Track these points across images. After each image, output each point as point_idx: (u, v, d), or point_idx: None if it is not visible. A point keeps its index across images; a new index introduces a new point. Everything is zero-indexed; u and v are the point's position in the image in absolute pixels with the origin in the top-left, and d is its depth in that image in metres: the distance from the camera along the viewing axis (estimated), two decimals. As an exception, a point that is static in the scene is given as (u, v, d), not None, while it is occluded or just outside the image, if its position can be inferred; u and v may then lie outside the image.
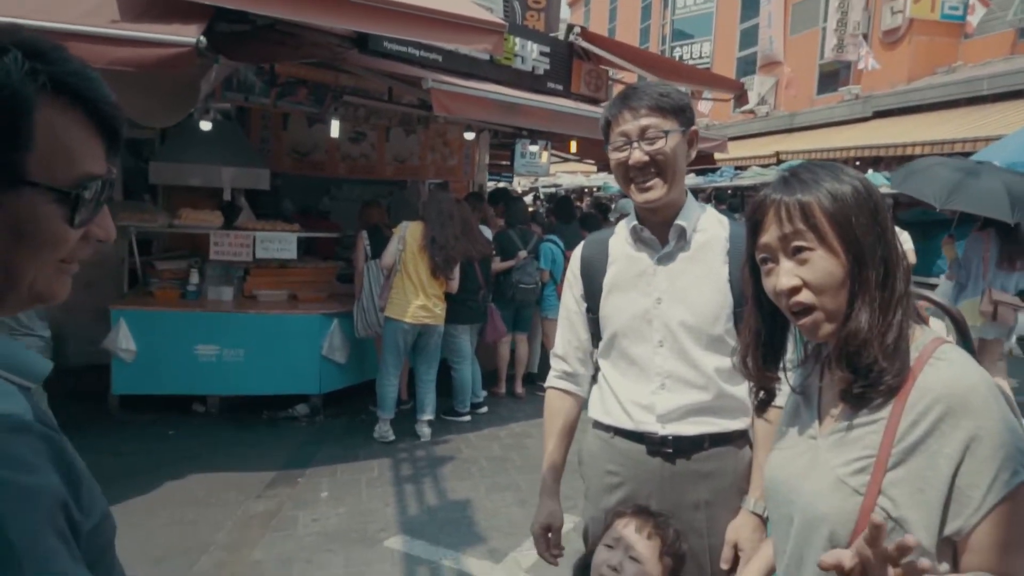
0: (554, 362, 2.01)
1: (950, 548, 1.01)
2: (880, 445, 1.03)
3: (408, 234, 4.97)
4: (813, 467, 1.11)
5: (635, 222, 1.82)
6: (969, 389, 0.99)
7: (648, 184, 1.72)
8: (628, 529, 1.65)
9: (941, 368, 1.03)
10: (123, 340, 5.03)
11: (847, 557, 0.90)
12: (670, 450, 1.76)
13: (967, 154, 7.84)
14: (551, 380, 2.00)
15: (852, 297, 1.05)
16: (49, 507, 0.64)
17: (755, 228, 1.13)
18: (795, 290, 1.07)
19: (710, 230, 1.80)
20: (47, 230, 0.73)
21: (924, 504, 0.99)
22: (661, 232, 1.79)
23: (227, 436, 4.98)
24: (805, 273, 1.07)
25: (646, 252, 1.81)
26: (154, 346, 5.10)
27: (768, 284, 1.12)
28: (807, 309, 1.08)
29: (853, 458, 1.06)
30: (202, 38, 3.50)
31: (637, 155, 1.70)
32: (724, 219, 1.84)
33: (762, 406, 1.32)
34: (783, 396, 1.31)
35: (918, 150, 9.86)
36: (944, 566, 1.01)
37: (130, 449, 4.61)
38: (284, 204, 7.28)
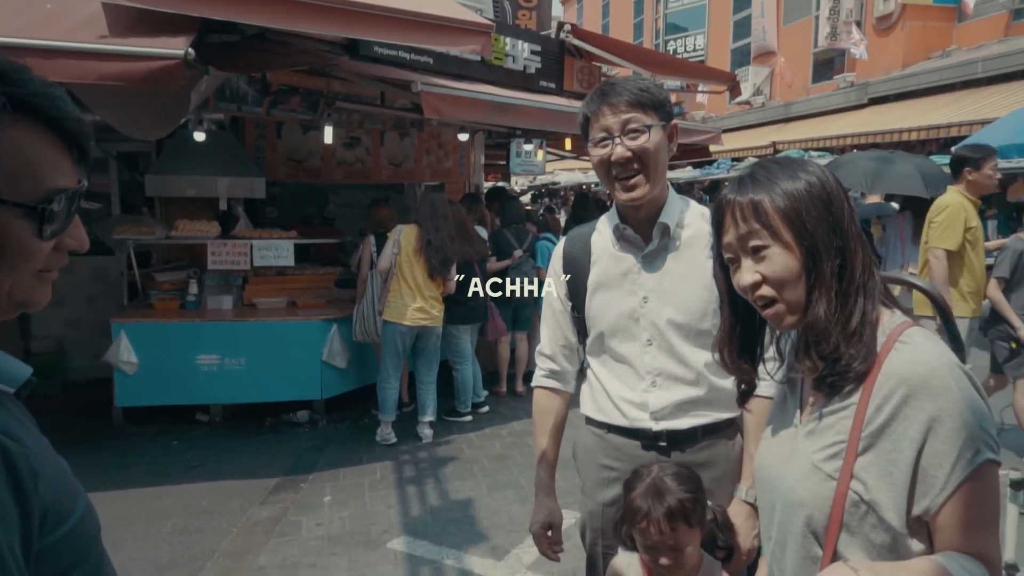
0: (540, 360, 2.00)
1: (924, 528, 1.02)
2: (850, 430, 1.05)
3: (403, 237, 4.98)
4: (793, 455, 1.14)
5: (617, 220, 1.80)
6: (930, 371, 1.01)
7: (632, 182, 1.70)
8: (661, 531, 1.62)
9: (904, 351, 1.04)
10: (124, 352, 5.06)
11: None
12: (664, 443, 1.77)
13: (962, 138, 7.82)
14: (538, 379, 2.00)
15: (810, 288, 1.08)
16: None
17: (718, 228, 1.16)
18: (756, 285, 1.10)
19: (694, 225, 1.79)
20: (17, 243, 0.75)
21: (892, 486, 1.01)
22: (644, 229, 1.78)
23: (230, 444, 5.01)
24: (764, 269, 1.10)
25: (630, 251, 1.80)
26: (156, 357, 5.13)
27: (735, 281, 1.15)
28: (770, 302, 1.11)
29: (827, 444, 1.08)
30: (190, 50, 3.52)
31: (620, 151, 1.67)
32: (707, 212, 1.82)
33: (744, 397, 1.34)
34: (771, 387, 1.34)
35: (914, 135, 9.84)
36: (917, 545, 1.03)
37: (135, 461, 4.65)
38: (268, 211, 7.24)
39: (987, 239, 6.72)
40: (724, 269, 1.20)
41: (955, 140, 7.99)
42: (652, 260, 1.78)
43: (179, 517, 3.89)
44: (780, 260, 1.08)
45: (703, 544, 1.70)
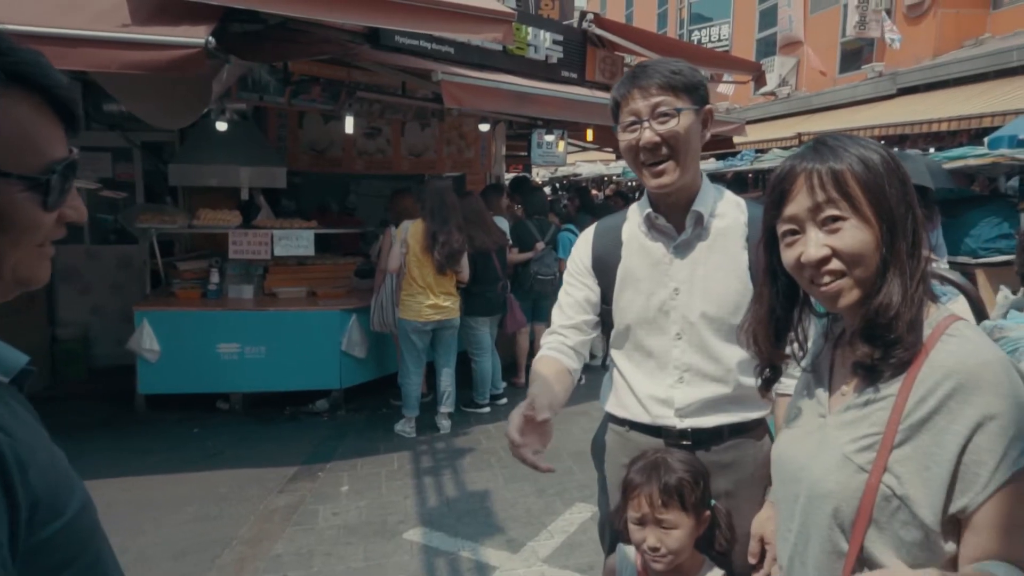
0: (546, 338, 1.84)
1: (956, 527, 0.98)
2: (887, 422, 1.00)
3: (409, 236, 4.91)
4: (821, 445, 1.09)
5: (648, 209, 1.73)
6: (981, 365, 0.96)
7: (660, 167, 1.63)
8: (652, 505, 1.61)
9: (952, 343, 0.99)
10: (147, 340, 5.11)
11: None
12: (689, 443, 1.71)
13: (995, 128, 7.62)
14: (542, 352, 1.80)
15: (883, 268, 1.02)
16: None
17: (781, 198, 1.08)
18: (824, 260, 1.03)
19: (729, 215, 1.72)
20: (23, 216, 0.74)
21: (929, 482, 0.96)
22: (677, 218, 1.71)
23: (250, 432, 5.05)
24: (836, 242, 1.03)
25: (661, 240, 1.73)
26: (177, 346, 5.18)
27: (790, 254, 1.07)
28: (835, 277, 1.04)
29: (860, 435, 1.03)
30: (211, 39, 3.52)
31: (648, 135, 1.61)
32: (742, 202, 1.76)
33: (767, 384, 1.28)
34: (792, 383, 1.29)
35: (945, 126, 9.61)
36: (951, 546, 0.98)
37: (156, 447, 4.70)
38: (283, 203, 7.25)
39: (1019, 234, 6.55)
40: (770, 245, 1.14)
41: (987, 131, 7.80)
42: (684, 250, 1.71)
43: (198, 504, 3.93)
44: (856, 234, 1.02)
45: (701, 545, 1.66)
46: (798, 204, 1.05)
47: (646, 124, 1.62)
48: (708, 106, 1.68)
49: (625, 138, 1.67)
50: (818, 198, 1.03)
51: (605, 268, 1.80)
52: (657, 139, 1.61)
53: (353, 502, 3.97)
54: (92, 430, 4.85)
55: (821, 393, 1.15)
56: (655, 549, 1.59)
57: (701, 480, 1.62)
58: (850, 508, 1.01)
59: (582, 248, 1.86)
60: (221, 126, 5.61)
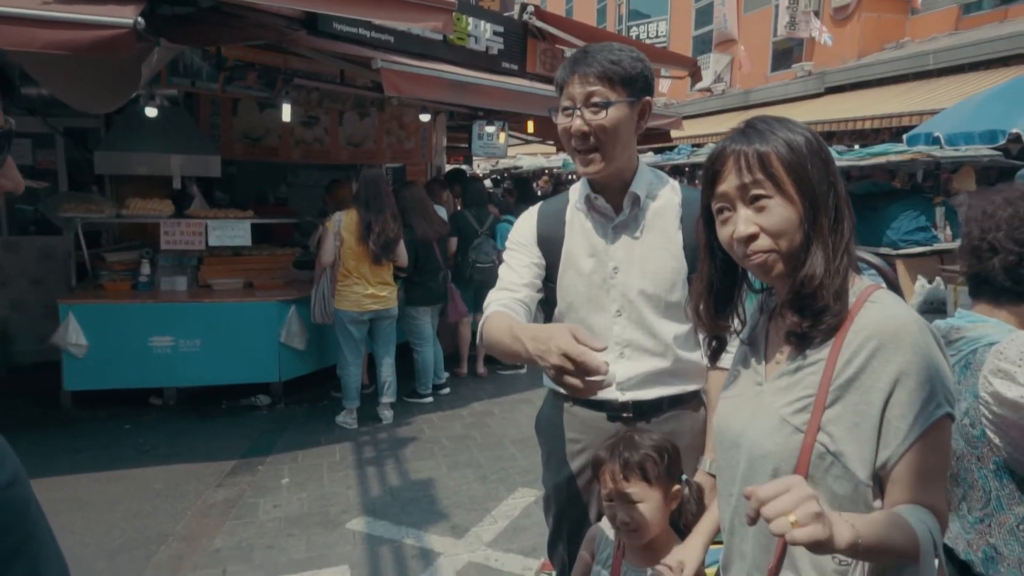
0: (490, 296, 1.79)
1: (882, 484, 1.05)
2: (819, 384, 1.07)
3: (343, 229, 4.84)
4: (759, 410, 1.15)
5: (588, 190, 1.79)
6: (900, 326, 1.04)
7: (588, 156, 1.69)
8: (615, 480, 1.64)
9: (874, 309, 1.08)
10: (72, 335, 4.90)
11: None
12: (630, 414, 1.78)
13: (913, 127, 8.03)
14: (494, 307, 1.72)
15: (807, 242, 1.09)
16: None
17: (714, 178, 1.15)
18: (753, 237, 1.10)
19: (664, 196, 1.79)
20: None
21: (859, 438, 1.03)
22: (615, 200, 1.77)
23: (186, 428, 4.91)
24: (763, 220, 1.10)
25: (601, 221, 1.79)
26: (106, 340, 4.98)
27: (724, 232, 1.14)
28: (763, 252, 1.10)
29: (795, 398, 1.10)
30: (140, 19, 3.39)
31: (578, 124, 1.66)
32: (676, 185, 1.83)
33: (715, 355, 1.34)
34: (728, 357, 1.35)
35: (868, 124, 10.06)
36: (879, 502, 1.05)
37: (85, 445, 4.52)
38: (218, 193, 7.06)
39: (934, 227, 6.93)
40: (708, 223, 1.20)
41: (906, 128, 8.20)
42: (622, 230, 1.77)
43: (131, 501, 3.80)
44: (780, 211, 1.09)
45: (673, 521, 1.71)
46: (728, 183, 1.12)
47: (578, 112, 1.66)
48: (647, 98, 1.72)
49: (561, 122, 1.71)
50: (745, 179, 1.10)
51: (549, 247, 1.83)
52: (586, 128, 1.66)
53: (294, 494, 3.92)
54: (15, 431, 4.60)
55: (757, 363, 1.22)
56: (625, 523, 1.63)
57: (666, 454, 1.65)
58: (788, 467, 1.08)
59: (526, 226, 1.88)
60: (150, 112, 5.41)
